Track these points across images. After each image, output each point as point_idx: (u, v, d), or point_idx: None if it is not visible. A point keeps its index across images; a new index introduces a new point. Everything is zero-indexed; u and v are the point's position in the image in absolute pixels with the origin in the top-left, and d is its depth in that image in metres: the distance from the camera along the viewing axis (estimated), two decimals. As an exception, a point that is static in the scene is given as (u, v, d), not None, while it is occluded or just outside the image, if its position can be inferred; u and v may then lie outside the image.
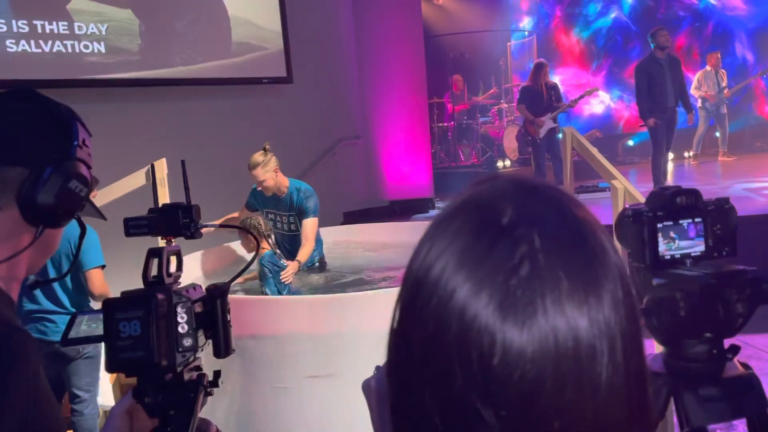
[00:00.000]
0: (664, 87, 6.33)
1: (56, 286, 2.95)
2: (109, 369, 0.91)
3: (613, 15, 11.57)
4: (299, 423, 2.91)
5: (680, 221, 0.79)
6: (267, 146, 3.81)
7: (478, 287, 0.41)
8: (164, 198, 3.86)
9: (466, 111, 9.99)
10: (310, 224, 3.84)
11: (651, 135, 6.58)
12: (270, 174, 3.75)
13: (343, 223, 6.22)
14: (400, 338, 0.46)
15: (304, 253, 3.75)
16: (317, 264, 4.04)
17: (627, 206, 0.84)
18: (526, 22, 11.67)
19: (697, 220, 0.79)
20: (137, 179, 3.95)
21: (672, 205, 0.79)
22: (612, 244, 0.45)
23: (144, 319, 0.90)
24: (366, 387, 0.68)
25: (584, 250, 0.43)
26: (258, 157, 3.75)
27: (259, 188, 3.81)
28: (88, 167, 0.94)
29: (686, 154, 9.87)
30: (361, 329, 2.84)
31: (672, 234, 0.78)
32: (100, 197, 4.16)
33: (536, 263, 0.41)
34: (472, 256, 0.42)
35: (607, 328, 0.41)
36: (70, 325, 1.09)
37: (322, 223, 5.23)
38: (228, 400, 2.94)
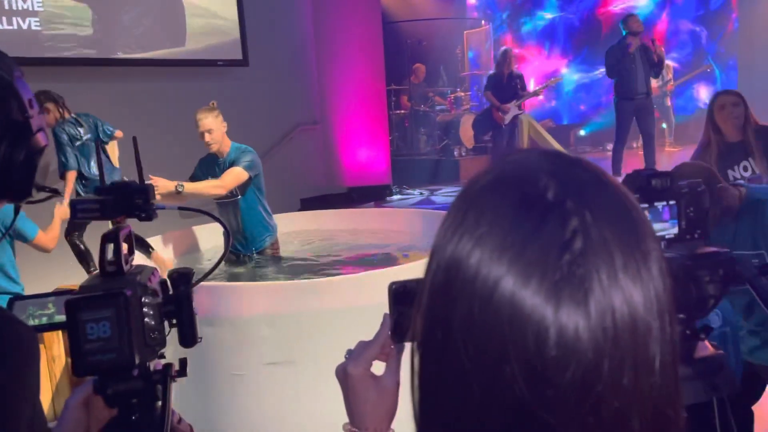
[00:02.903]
0: (634, 73, 6.35)
1: None
2: (78, 373, 0.87)
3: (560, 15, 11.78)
4: (256, 410, 2.88)
5: (655, 203, 0.80)
6: (214, 103, 3.63)
7: (525, 273, 0.39)
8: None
9: (422, 99, 10.00)
10: (233, 171, 3.49)
11: (617, 122, 6.61)
12: (218, 125, 3.53)
13: (300, 210, 6.16)
14: (432, 322, 0.43)
15: (199, 185, 3.48)
16: (269, 250, 3.87)
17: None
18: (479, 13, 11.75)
19: (671, 202, 0.80)
20: (86, 162, 3.83)
21: (647, 187, 0.80)
22: (648, 216, 0.44)
23: (114, 319, 0.85)
24: (341, 372, 0.66)
25: (631, 221, 0.41)
26: (206, 108, 3.57)
27: (207, 139, 3.53)
28: (43, 128, 0.88)
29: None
30: (320, 316, 2.81)
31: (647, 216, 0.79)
32: (51, 180, 4.00)
33: (589, 237, 0.39)
34: (517, 238, 0.40)
35: (657, 302, 0.40)
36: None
37: (279, 209, 5.16)
38: (183, 387, 2.88)
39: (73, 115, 4.07)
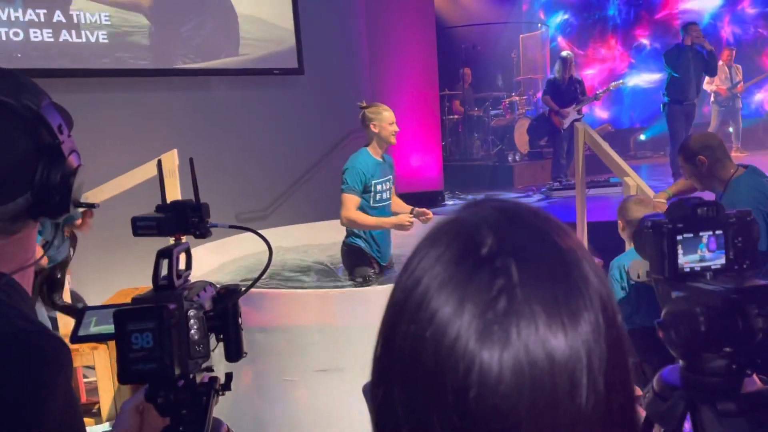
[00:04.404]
0: (687, 79, 6.41)
1: None
2: (122, 380, 0.91)
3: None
4: (307, 416, 2.92)
5: (701, 233, 0.78)
6: (363, 104, 3.61)
7: (458, 312, 0.41)
8: (174, 189, 3.87)
9: (476, 104, 9.93)
10: None
11: (670, 128, 6.62)
12: None
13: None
14: (381, 369, 0.46)
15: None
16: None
17: (646, 216, 0.83)
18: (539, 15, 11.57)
19: (717, 232, 0.78)
20: (147, 171, 3.96)
21: (692, 216, 0.78)
22: (597, 273, 0.44)
23: (156, 331, 0.89)
24: (366, 389, 0.68)
25: (565, 282, 0.42)
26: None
27: (392, 133, 3.50)
28: (75, 149, 0.91)
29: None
30: (370, 324, 2.82)
31: (692, 246, 0.77)
32: (109, 189, 4.19)
33: (513, 297, 0.40)
34: (452, 283, 0.42)
35: (587, 360, 0.40)
36: (79, 320, 1.09)
37: (331, 216, 5.22)
38: (235, 392, 2.95)
39: None
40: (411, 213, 3.52)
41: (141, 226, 1.06)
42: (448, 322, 0.41)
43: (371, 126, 3.51)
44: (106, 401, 3.46)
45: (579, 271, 0.43)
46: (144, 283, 4.11)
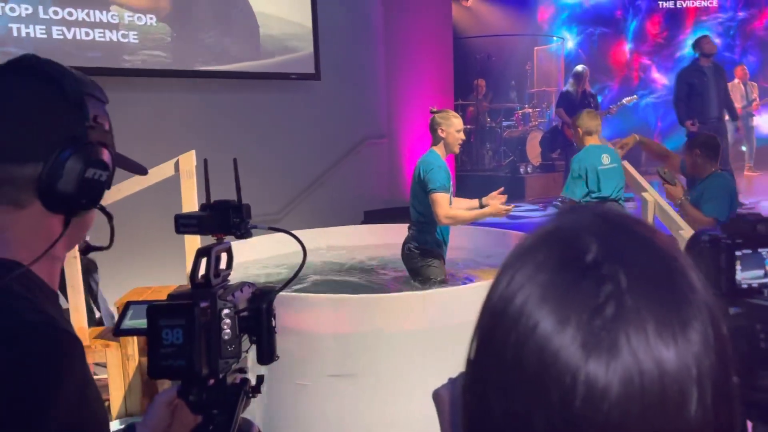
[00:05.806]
0: (707, 96, 6.14)
1: None
2: (152, 375, 0.91)
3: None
4: (318, 420, 2.92)
5: (759, 250, 0.78)
6: (434, 109, 3.59)
7: (562, 323, 0.39)
8: (191, 191, 3.87)
9: (489, 114, 9.95)
10: None
11: None
12: None
13: (363, 222, 6.22)
14: (477, 373, 0.45)
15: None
16: None
17: (702, 231, 0.83)
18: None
19: (777, 249, 0.78)
20: (165, 170, 3.97)
21: (752, 233, 0.78)
22: (701, 281, 0.43)
23: (186, 327, 0.88)
24: (437, 396, 0.68)
25: (673, 290, 0.41)
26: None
27: (458, 141, 3.48)
28: (106, 145, 0.89)
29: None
30: (384, 331, 2.83)
31: (750, 262, 0.77)
32: (126, 187, 4.21)
33: (622, 304, 0.39)
34: (555, 292, 0.41)
35: (697, 371, 0.39)
36: (123, 314, 1.09)
37: (343, 222, 5.23)
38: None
39: None
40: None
41: (183, 224, 1.07)
42: (553, 332, 0.40)
43: (438, 131, 3.52)
44: (116, 399, 3.45)
45: (685, 278, 0.42)
46: (158, 282, 4.12)
